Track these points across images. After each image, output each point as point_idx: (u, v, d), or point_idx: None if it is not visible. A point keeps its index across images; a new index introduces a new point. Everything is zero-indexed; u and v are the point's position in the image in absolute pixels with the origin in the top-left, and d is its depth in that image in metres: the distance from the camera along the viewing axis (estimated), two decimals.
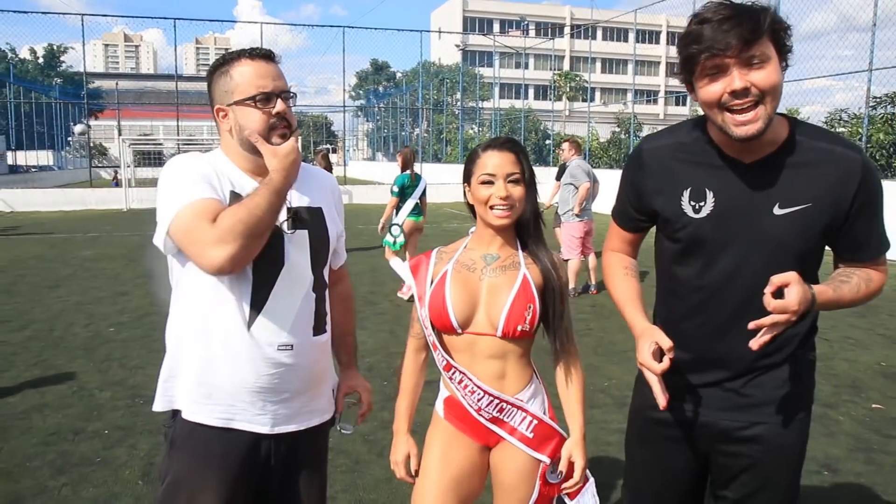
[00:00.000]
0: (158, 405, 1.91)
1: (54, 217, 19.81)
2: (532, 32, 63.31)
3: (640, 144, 1.92)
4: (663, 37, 70.46)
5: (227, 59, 1.87)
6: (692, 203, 1.77)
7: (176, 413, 1.89)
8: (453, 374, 2.01)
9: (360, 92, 68.70)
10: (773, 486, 1.84)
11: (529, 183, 1.99)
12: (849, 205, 1.68)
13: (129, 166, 23.74)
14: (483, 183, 1.96)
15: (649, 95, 63.42)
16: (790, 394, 1.81)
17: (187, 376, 1.86)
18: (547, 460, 2.00)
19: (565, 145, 9.16)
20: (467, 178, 2.03)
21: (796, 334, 1.79)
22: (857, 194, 1.68)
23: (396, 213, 8.29)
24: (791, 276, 1.55)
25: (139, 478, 3.67)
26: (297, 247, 1.90)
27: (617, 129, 32.62)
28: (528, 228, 2.05)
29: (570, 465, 2.00)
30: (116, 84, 54.07)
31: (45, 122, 49.26)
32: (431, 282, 2.04)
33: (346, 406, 2.26)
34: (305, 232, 1.92)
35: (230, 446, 1.87)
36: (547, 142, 38.89)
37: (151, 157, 37.11)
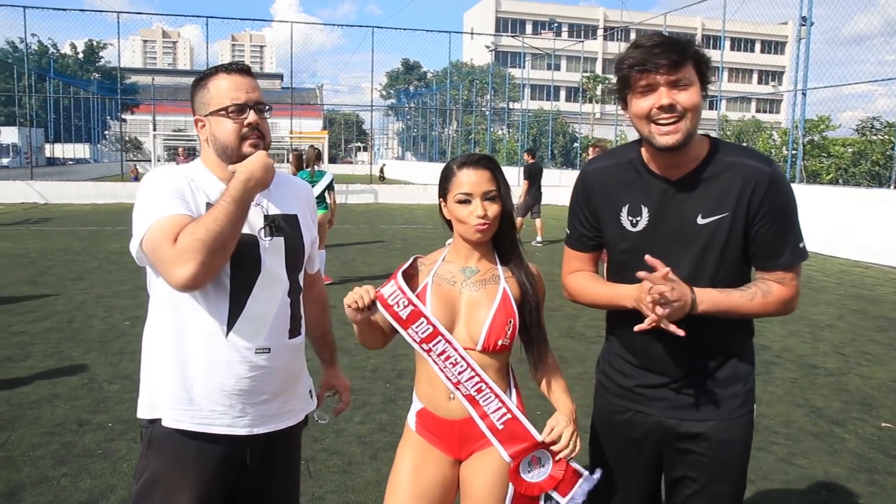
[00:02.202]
0: (142, 412, 1.95)
1: (86, 210, 20.22)
2: (565, 34, 62.99)
3: (584, 168, 2.10)
4: (698, 39, 69.39)
5: (207, 74, 1.96)
6: (630, 218, 1.95)
7: (156, 419, 1.93)
8: (436, 343, 1.97)
9: (391, 91, 68.91)
10: (720, 480, 1.97)
11: (505, 197, 2.01)
12: (755, 211, 1.84)
13: (160, 161, 24.12)
14: (460, 202, 1.98)
15: None
16: (731, 394, 1.96)
17: (168, 383, 1.90)
18: (508, 459, 1.94)
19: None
20: (443, 194, 2.04)
21: (730, 340, 1.96)
22: (763, 202, 1.84)
23: None
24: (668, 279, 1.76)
25: None
26: (273, 253, 1.94)
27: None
28: (504, 241, 2.07)
29: (561, 463, 1.96)
30: (153, 80, 54.96)
31: (83, 115, 50.22)
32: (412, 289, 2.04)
33: (326, 399, 2.39)
34: (281, 239, 1.97)
35: (208, 447, 1.92)
36: (574, 144, 38.66)
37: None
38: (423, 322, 1.98)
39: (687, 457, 1.99)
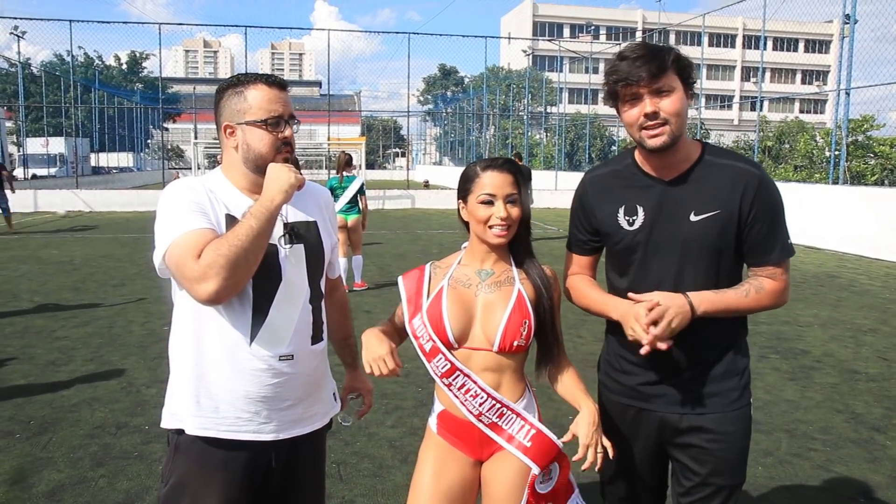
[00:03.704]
0: (167, 422, 1.98)
1: (128, 217, 20.69)
2: (603, 37, 62.54)
3: (584, 176, 2.24)
4: (739, 40, 68.51)
5: (243, 81, 1.96)
6: (626, 217, 2.06)
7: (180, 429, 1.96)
8: (455, 378, 2.02)
9: (429, 97, 69.18)
10: (720, 472, 2.05)
11: (524, 202, 2.04)
12: (747, 210, 1.96)
13: (200, 168, 24.58)
14: (483, 203, 2.00)
15: (724, 100, 61.81)
16: (728, 388, 2.06)
17: (193, 392, 1.93)
18: (537, 469, 1.98)
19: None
20: (463, 196, 2.06)
21: (725, 337, 2.05)
22: (754, 202, 1.96)
23: None
24: (654, 296, 1.89)
25: None
26: (294, 261, 1.97)
27: (699, 140, 32.09)
28: (520, 244, 2.09)
29: (565, 470, 2.03)
30: (194, 89, 56.19)
31: (127, 125, 51.51)
32: (427, 295, 2.07)
33: (349, 402, 2.40)
34: (301, 246, 1.99)
35: (233, 452, 1.95)
36: (612, 148, 38.37)
37: None
38: (441, 358, 2.03)
39: (688, 450, 2.07)
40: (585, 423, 1.94)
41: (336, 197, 9.21)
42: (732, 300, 1.96)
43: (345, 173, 9.40)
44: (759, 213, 1.97)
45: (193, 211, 1.84)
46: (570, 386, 2.08)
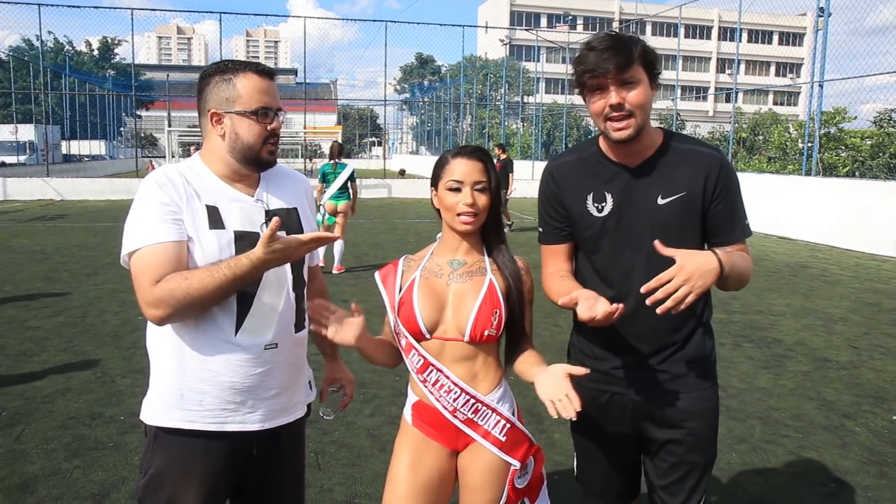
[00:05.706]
0: (148, 417, 1.95)
1: (101, 206, 20.40)
2: (580, 27, 62.69)
3: (548, 165, 2.25)
4: (715, 32, 69.06)
5: (231, 68, 1.92)
6: (595, 204, 2.09)
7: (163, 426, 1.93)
8: (429, 374, 2.02)
9: (406, 86, 68.93)
10: (694, 450, 2.12)
11: (494, 191, 2.03)
12: (711, 191, 2.03)
13: (174, 157, 24.31)
14: (451, 189, 2.00)
15: (699, 92, 62.31)
16: (697, 368, 2.13)
17: (176, 385, 1.91)
18: (517, 464, 2.02)
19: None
20: (435, 182, 2.06)
21: (693, 318, 2.10)
22: (717, 183, 2.03)
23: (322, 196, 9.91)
24: (676, 254, 1.80)
25: None
26: None
27: (661, 127, 32.31)
28: (492, 234, 2.09)
29: (539, 463, 2.10)
30: (167, 76, 55.42)
31: (99, 112, 50.70)
32: (400, 289, 2.07)
33: (330, 394, 2.37)
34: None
35: (216, 442, 1.93)
36: (588, 138, 38.57)
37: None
38: (414, 353, 2.04)
39: (662, 431, 2.13)
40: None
41: (328, 183, 9.63)
42: (738, 264, 1.94)
43: (337, 160, 9.80)
44: (722, 193, 2.03)
45: (163, 218, 1.81)
46: (531, 357, 2.05)
